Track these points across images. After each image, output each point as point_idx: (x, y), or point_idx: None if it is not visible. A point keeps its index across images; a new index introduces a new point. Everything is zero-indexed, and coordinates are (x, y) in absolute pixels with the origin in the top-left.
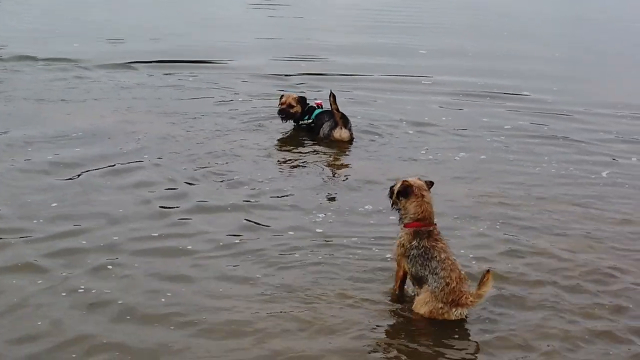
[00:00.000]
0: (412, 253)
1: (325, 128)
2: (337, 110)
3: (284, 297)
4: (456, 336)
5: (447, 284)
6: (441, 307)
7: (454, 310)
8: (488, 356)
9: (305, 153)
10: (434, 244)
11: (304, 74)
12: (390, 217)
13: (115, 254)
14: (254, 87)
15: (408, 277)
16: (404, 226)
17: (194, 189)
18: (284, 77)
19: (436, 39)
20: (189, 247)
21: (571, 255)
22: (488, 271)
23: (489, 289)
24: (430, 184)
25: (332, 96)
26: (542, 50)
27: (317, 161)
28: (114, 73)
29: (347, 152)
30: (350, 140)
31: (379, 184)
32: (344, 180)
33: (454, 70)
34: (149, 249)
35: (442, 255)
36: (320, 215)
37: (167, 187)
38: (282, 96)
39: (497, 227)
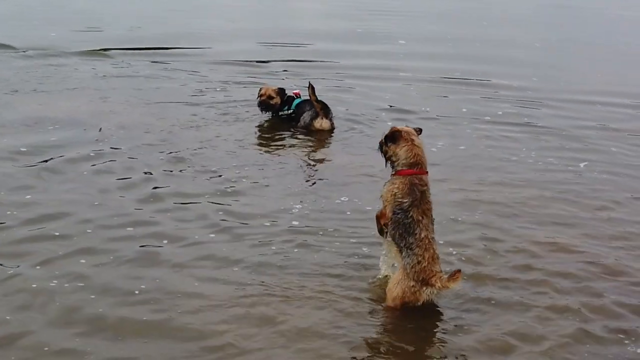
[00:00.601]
0: (398, 215)
1: (305, 117)
2: (317, 101)
3: (257, 292)
4: (434, 330)
5: (419, 262)
6: (413, 286)
7: (424, 289)
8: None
9: (283, 143)
10: (420, 218)
11: (283, 61)
12: (367, 208)
13: (80, 243)
14: (232, 75)
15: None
16: (397, 173)
17: (166, 180)
18: (263, 64)
19: (417, 26)
20: (158, 238)
21: (549, 246)
22: (459, 271)
23: (457, 286)
24: (419, 130)
25: (311, 88)
26: (524, 38)
27: (294, 152)
28: (92, 61)
29: (326, 143)
30: (331, 130)
31: (356, 175)
32: (321, 172)
33: (434, 57)
34: (117, 238)
35: (422, 234)
36: (296, 206)
37: (138, 178)
38: (261, 88)
39: (476, 216)
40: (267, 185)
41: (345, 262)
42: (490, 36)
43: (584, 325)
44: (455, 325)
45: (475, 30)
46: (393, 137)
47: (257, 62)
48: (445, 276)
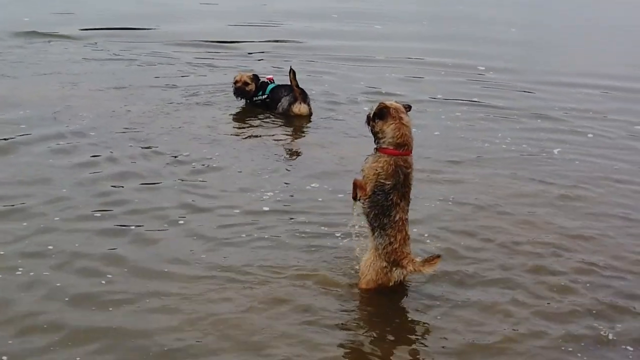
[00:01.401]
0: (378, 196)
1: (284, 102)
2: (297, 86)
3: (228, 282)
4: (410, 317)
5: (390, 243)
6: (385, 266)
7: (394, 269)
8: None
9: (256, 129)
10: (399, 201)
11: (258, 42)
12: (339, 195)
13: (51, 232)
14: (206, 56)
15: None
16: (381, 150)
17: (136, 167)
18: (238, 44)
19: (396, 7)
20: (129, 226)
21: (523, 236)
22: (438, 256)
23: (431, 271)
24: (408, 107)
25: (292, 72)
26: (502, 20)
27: (267, 137)
28: (65, 44)
29: (301, 129)
30: (309, 115)
31: (330, 161)
32: (294, 157)
33: (411, 39)
34: (86, 226)
35: (397, 217)
36: (267, 193)
37: (107, 165)
38: (235, 75)
39: (450, 202)
40: (240, 171)
41: (316, 249)
42: (469, 18)
43: (564, 325)
44: (431, 325)
45: (453, 10)
46: (381, 113)
47: (232, 42)
48: (419, 259)
